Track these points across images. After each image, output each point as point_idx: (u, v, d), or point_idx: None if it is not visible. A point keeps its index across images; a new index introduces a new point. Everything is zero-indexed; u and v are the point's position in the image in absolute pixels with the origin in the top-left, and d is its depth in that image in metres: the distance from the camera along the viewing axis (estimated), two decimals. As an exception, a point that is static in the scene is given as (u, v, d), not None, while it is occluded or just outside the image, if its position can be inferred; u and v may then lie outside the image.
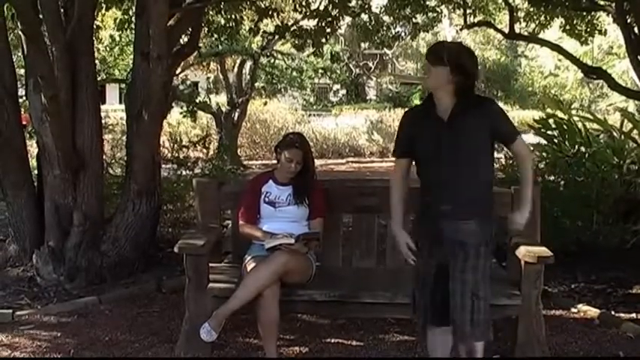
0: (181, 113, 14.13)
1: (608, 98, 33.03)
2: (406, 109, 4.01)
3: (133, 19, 7.80)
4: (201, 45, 9.84)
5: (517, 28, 11.66)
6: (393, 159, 3.80)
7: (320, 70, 24.60)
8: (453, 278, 3.52)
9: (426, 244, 3.69)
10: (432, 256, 3.63)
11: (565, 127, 7.02)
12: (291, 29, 11.31)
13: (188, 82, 15.26)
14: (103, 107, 6.74)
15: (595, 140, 6.95)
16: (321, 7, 10.77)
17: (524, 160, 3.75)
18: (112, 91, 26.76)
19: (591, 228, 6.34)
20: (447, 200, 3.53)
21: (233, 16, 10.50)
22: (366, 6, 11.06)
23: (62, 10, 5.80)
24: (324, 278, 4.51)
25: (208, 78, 23.47)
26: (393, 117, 23.84)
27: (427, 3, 11.66)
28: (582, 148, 6.72)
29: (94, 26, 6.94)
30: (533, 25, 12.19)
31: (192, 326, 4.33)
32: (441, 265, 3.56)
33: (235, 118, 16.78)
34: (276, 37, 12.65)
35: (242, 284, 4.14)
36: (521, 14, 12.19)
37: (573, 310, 5.43)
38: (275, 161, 4.69)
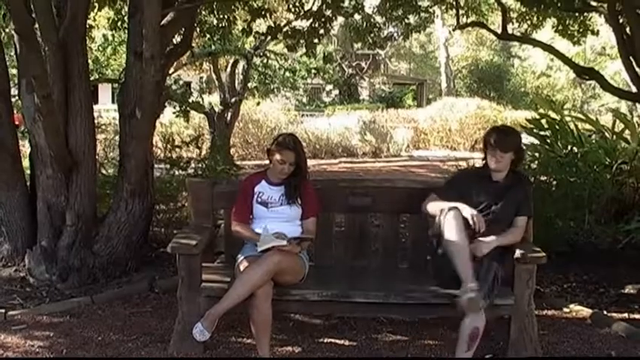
0: (174, 113, 14.11)
1: (600, 99, 33.22)
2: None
3: (126, 18, 7.80)
4: (194, 45, 9.84)
5: (510, 28, 11.68)
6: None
7: (313, 71, 24.57)
8: None
9: None
10: None
11: (557, 127, 7.03)
12: (284, 30, 11.30)
13: (181, 82, 15.23)
14: (95, 107, 6.72)
15: (587, 140, 6.97)
16: (314, 8, 10.77)
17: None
18: (105, 91, 26.72)
19: (583, 228, 6.36)
20: None
21: (226, 17, 10.50)
22: (359, 6, 11.07)
23: (55, 10, 5.78)
24: (317, 278, 4.52)
25: (201, 78, 23.40)
26: (386, 117, 23.88)
27: (420, 3, 11.68)
28: (574, 149, 6.74)
29: (87, 26, 6.92)
30: (525, 26, 12.23)
31: (185, 326, 4.34)
32: None
33: (228, 118, 16.72)
34: (269, 37, 12.64)
35: (235, 284, 4.15)
36: (513, 15, 12.21)
37: (565, 309, 5.45)
38: (268, 162, 4.69)
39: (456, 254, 4.08)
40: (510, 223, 4.48)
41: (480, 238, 4.28)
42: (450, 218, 4.14)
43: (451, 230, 4.11)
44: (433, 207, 4.44)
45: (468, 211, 4.23)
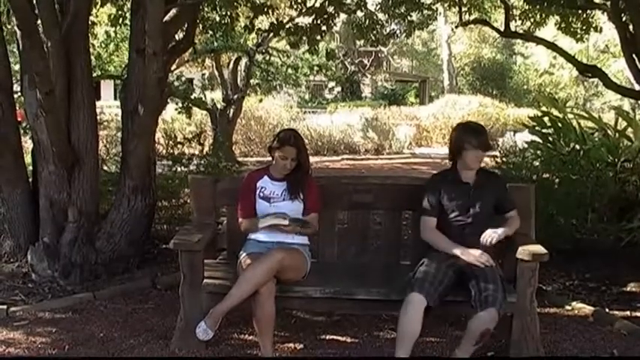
0: (176, 109, 14.13)
1: (602, 96, 33.19)
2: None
3: (127, 14, 7.78)
4: (196, 41, 9.83)
5: (512, 26, 11.67)
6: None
7: (315, 68, 24.49)
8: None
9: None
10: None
11: (560, 125, 7.02)
12: (287, 26, 11.30)
13: (183, 79, 15.27)
14: (98, 103, 6.72)
15: (590, 138, 6.95)
16: (317, 4, 10.77)
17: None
18: (107, 88, 26.75)
19: (586, 226, 6.35)
20: None
21: (228, 13, 10.50)
22: (362, 3, 11.07)
23: (57, 6, 5.78)
24: (319, 275, 4.52)
25: (203, 74, 23.40)
26: (388, 114, 23.87)
27: (422, 1, 11.66)
28: (577, 146, 6.72)
29: (90, 22, 6.92)
30: (528, 23, 12.22)
31: (187, 323, 4.35)
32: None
33: (230, 114, 16.76)
34: (272, 34, 12.64)
35: (238, 281, 4.15)
36: (516, 12, 12.21)
37: (567, 307, 5.45)
38: (270, 158, 4.69)
39: (405, 339, 4.03)
40: (490, 220, 4.47)
41: (488, 231, 4.28)
42: (411, 304, 4.03)
43: (409, 319, 4.02)
44: (436, 241, 4.41)
45: (472, 257, 4.20)
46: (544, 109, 7.75)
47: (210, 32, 12.08)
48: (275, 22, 11.20)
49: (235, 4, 9.92)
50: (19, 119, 6.64)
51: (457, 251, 4.26)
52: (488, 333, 3.97)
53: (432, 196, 4.47)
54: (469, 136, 4.40)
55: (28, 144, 6.87)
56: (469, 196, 4.42)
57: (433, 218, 4.44)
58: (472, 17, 12.91)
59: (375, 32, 12.59)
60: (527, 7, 11.63)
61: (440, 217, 4.44)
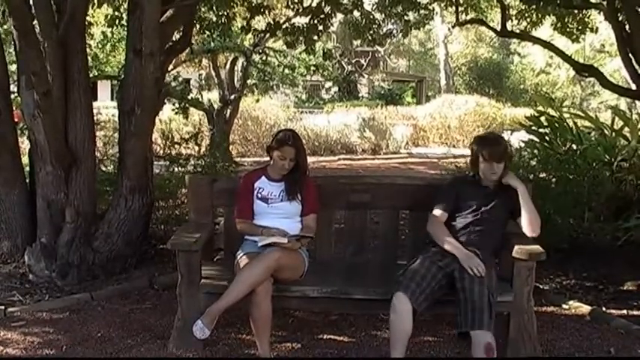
0: (173, 110, 14.11)
1: (599, 96, 33.17)
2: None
3: (124, 15, 7.77)
4: (193, 42, 9.83)
5: (509, 25, 11.67)
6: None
7: (312, 68, 24.47)
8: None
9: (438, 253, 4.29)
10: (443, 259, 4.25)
11: (556, 124, 7.03)
12: (283, 26, 11.30)
13: (180, 79, 15.23)
14: (94, 104, 6.72)
15: (586, 138, 6.96)
16: (314, 4, 10.78)
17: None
18: (104, 88, 26.70)
19: (583, 225, 6.36)
20: None
21: (225, 13, 10.50)
22: (359, 3, 11.07)
23: (54, 6, 5.78)
24: (316, 274, 4.52)
25: (200, 75, 23.43)
26: (385, 114, 23.85)
27: (419, 0, 11.66)
28: (574, 146, 6.73)
29: (86, 22, 6.92)
30: (524, 23, 12.21)
31: (185, 323, 4.35)
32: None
33: (227, 115, 16.75)
34: (268, 34, 12.64)
35: (235, 281, 4.15)
36: (512, 12, 12.21)
37: (565, 306, 5.46)
38: (267, 158, 4.69)
39: (397, 339, 4.02)
40: (501, 226, 4.50)
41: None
42: (397, 304, 4.03)
43: (397, 317, 4.02)
44: (438, 235, 4.38)
45: (467, 265, 4.14)
46: (541, 108, 7.76)
47: (207, 32, 12.07)
48: (272, 22, 11.21)
49: (232, 4, 9.92)
50: (17, 120, 6.64)
51: (454, 250, 4.23)
52: (491, 347, 3.91)
53: (447, 193, 4.54)
54: (483, 148, 4.44)
55: (25, 144, 6.87)
56: (485, 198, 4.43)
57: (444, 213, 4.46)
58: (469, 17, 12.90)
59: (371, 32, 12.59)
60: (523, 7, 11.62)
61: (450, 216, 4.46)
